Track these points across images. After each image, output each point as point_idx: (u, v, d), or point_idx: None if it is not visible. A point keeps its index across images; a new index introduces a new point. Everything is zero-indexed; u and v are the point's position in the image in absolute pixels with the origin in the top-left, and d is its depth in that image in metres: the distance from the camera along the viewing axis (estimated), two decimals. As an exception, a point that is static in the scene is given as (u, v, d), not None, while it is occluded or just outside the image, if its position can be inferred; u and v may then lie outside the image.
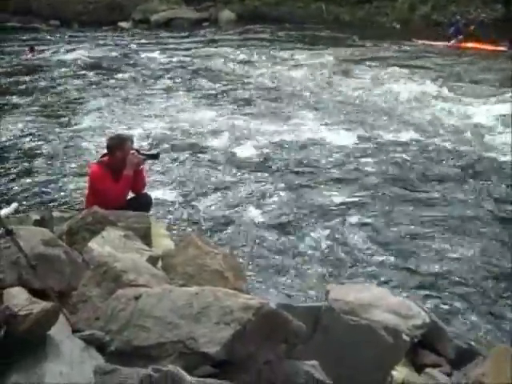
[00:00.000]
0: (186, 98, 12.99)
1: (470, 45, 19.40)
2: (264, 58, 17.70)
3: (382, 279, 5.40)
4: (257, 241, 6.21)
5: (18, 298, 3.19)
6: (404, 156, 8.96)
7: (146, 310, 3.08)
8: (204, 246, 4.50)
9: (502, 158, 8.66)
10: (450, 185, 7.82)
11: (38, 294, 3.36)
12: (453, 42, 19.55)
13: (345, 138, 9.80)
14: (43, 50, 19.77)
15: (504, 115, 10.78)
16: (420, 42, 20.53)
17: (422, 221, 6.75)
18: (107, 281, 3.56)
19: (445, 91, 12.92)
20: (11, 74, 16.15)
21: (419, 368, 4.07)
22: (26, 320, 2.82)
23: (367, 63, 16.68)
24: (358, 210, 7.05)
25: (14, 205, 6.19)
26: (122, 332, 3.01)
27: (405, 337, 3.75)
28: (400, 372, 3.85)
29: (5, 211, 5.66)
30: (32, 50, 19.13)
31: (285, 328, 3.10)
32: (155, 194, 6.85)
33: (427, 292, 5.27)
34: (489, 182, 7.86)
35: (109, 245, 4.20)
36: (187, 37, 22.69)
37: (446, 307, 5.02)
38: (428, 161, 8.76)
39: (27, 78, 15.41)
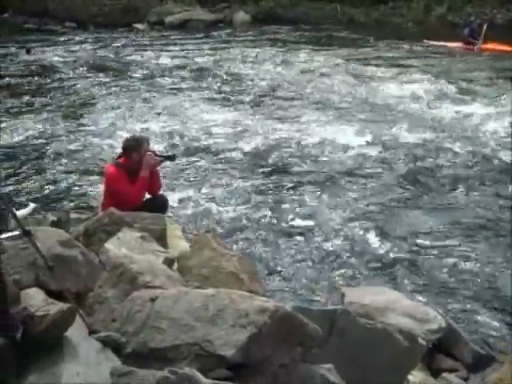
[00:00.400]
0: (201, 99, 13.00)
1: (488, 46, 19.22)
2: (278, 58, 17.68)
3: (398, 283, 5.36)
4: (271, 243, 6.19)
5: (35, 299, 3.22)
6: (419, 158, 8.90)
7: (162, 312, 3.09)
8: (219, 247, 4.51)
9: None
10: (465, 187, 7.75)
11: (54, 295, 3.38)
12: (477, 46, 19.29)
13: (359, 138, 9.76)
14: (57, 51, 19.89)
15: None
16: (431, 42, 20.37)
17: (437, 224, 6.70)
18: (123, 282, 3.57)
19: (459, 92, 12.83)
20: (25, 74, 16.26)
21: (435, 372, 4.05)
22: (43, 321, 2.84)
23: (381, 64, 16.61)
24: (373, 212, 7.01)
25: (32, 205, 6.23)
26: (138, 334, 3.02)
27: (421, 341, 3.73)
28: (416, 376, 3.83)
29: (22, 212, 5.69)
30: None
31: (300, 331, 3.10)
32: (171, 195, 6.86)
33: (443, 296, 5.22)
34: (505, 185, 7.79)
35: (125, 246, 4.22)
36: (202, 38, 22.71)
37: (462, 311, 4.97)
38: (443, 163, 8.69)
39: (42, 79, 15.50)
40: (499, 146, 9.36)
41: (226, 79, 15.15)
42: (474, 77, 14.67)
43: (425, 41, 20.60)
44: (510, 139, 9.54)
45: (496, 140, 9.64)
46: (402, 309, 4.18)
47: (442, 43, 20.11)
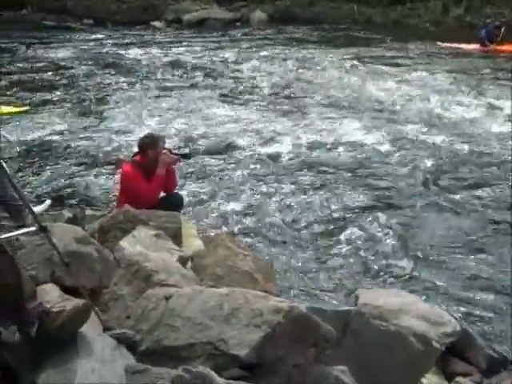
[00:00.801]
0: (217, 98, 13.02)
1: (505, 48, 19.06)
2: (294, 57, 17.66)
3: (412, 285, 5.34)
4: (286, 243, 6.19)
5: (51, 295, 3.24)
6: (437, 159, 8.85)
7: (177, 311, 3.10)
8: (234, 247, 4.51)
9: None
10: (484, 191, 7.68)
11: (69, 291, 3.41)
12: (491, 46, 19.16)
13: (376, 139, 9.73)
14: (74, 48, 20.02)
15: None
16: (444, 44, 20.18)
17: (454, 226, 6.66)
18: (138, 280, 3.59)
19: (475, 95, 12.74)
20: (43, 70, 16.38)
21: (449, 376, 4.03)
22: (59, 317, 2.85)
23: (396, 64, 16.56)
24: (388, 213, 6.96)
25: (48, 202, 6.27)
26: (152, 332, 3.03)
27: (435, 344, 3.71)
28: (430, 380, 3.82)
29: (38, 208, 5.73)
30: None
31: (315, 332, 3.10)
32: (186, 193, 6.88)
33: (458, 299, 5.19)
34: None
35: (140, 244, 4.24)
36: (218, 37, 22.75)
37: (476, 315, 4.94)
38: (461, 166, 8.63)
39: (57, 75, 15.60)
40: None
41: (242, 78, 15.15)
42: (487, 78, 14.56)
43: (438, 43, 20.43)
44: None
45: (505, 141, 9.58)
46: (416, 311, 4.15)
47: (455, 45, 19.92)
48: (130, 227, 4.55)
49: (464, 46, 19.71)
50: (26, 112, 11.47)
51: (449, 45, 19.97)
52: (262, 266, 4.50)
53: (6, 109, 11.35)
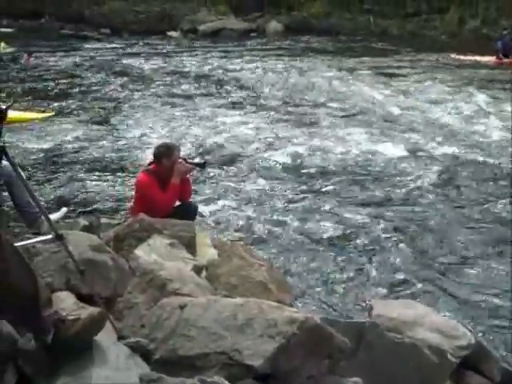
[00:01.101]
0: (231, 107, 13.07)
1: None
2: (310, 68, 17.73)
3: (427, 297, 5.30)
4: (300, 253, 6.17)
5: (66, 303, 3.25)
6: (452, 171, 8.83)
7: (191, 320, 3.10)
8: (248, 256, 4.52)
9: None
10: (501, 204, 7.63)
11: (84, 299, 3.41)
12: (507, 59, 19.04)
13: (391, 150, 9.73)
14: (93, 57, 20.21)
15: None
16: (458, 56, 20.05)
17: (469, 239, 6.62)
18: (152, 288, 3.59)
19: (492, 107, 12.68)
20: (58, 78, 16.56)
21: (464, 389, 3.99)
22: (74, 325, 2.86)
23: (411, 75, 16.54)
24: (402, 225, 6.94)
25: (63, 209, 6.30)
26: (167, 341, 3.04)
27: (450, 357, 3.69)
28: (444, 393, 3.78)
29: (54, 216, 5.76)
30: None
31: (329, 343, 3.09)
32: (200, 202, 6.89)
33: (472, 312, 5.15)
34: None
35: (155, 253, 4.25)
36: (234, 47, 22.86)
37: (491, 328, 4.91)
38: (478, 178, 8.58)
39: (73, 84, 15.77)
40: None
41: (256, 87, 15.21)
42: (500, 90, 14.48)
43: (452, 55, 20.32)
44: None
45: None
46: (430, 324, 4.12)
47: (470, 57, 19.80)
48: (145, 236, 4.56)
49: (479, 58, 19.63)
50: (50, 117, 11.60)
51: (463, 57, 19.87)
52: (276, 276, 4.50)
53: (30, 115, 11.51)
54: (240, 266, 4.41)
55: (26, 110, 12.01)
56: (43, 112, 12.09)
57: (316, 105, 13.27)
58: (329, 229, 6.77)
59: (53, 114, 11.97)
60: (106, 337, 3.04)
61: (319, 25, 27.54)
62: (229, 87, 15.39)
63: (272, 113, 12.62)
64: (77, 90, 15.13)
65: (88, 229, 5.19)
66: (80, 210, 7.13)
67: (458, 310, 5.18)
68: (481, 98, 13.37)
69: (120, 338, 3.19)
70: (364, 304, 4.84)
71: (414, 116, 12.19)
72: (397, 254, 6.16)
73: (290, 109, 13.01)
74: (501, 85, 15.44)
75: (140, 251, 4.26)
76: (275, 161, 9.27)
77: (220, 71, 17.58)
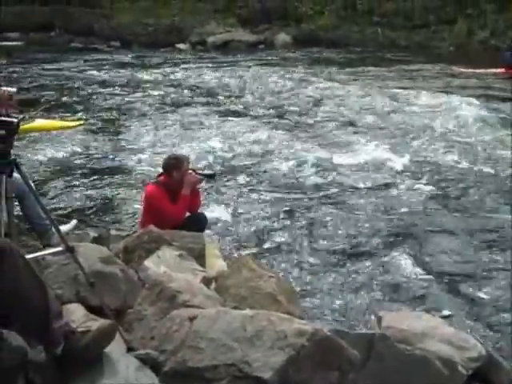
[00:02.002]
0: (239, 118, 13.08)
1: None
2: (317, 79, 17.75)
3: (436, 308, 5.28)
4: (309, 264, 6.16)
5: (76, 315, 3.27)
6: (460, 182, 8.80)
7: (201, 332, 3.10)
8: (257, 268, 4.52)
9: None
10: (503, 214, 7.59)
11: (94, 310, 3.43)
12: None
13: (396, 160, 9.70)
14: (103, 69, 20.36)
15: None
16: (466, 70, 19.91)
17: (480, 249, 6.59)
18: (162, 300, 3.60)
19: (496, 118, 12.61)
20: (68, 90, 16.71)
21: (475, 402, 3.96)
22: (84, 337, 2.87)
23: (418, 87, 16.51)
24: (412, 236, 6.92)
25: (74, 222, 6.34)
26: (176, 352, 3.04)
27: (461, 369, 3.67)
28: (455, 405, 3.75)
29: (64, 228, 5.79)
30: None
31: (339, 355, 3.08)
32: (209, 213, 6.91)
33: (483, 323, 5.12)
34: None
35: (164, 264, 4.26)
36: (242, 59, 22.93)
37: (502, 340, 4.87)
38: (484, 188, 8.55)
39: (82, 95, 15.88)
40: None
41: (266, 98, 15.23)
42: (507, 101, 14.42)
43: (458, 68, 20.15)
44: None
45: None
46: (440, 335, 4.10)
47: (479, 70, 19.62)
48: (154, 247, 4.59)
49: (487, 70, 19.50)
50: (80, 126, 11.72)
51: (471, 70, 19.73)
52: (286, 288, 4.50)
53: (60, 123, 11.64)
54: (249, 278, 4.41)
55: (55, 118, 12.20)
56: (74, 121, 12.20)
57: (324, 115, 13.26)
58: (339, 240, 6.76)
59: (83, 122, 12.09)
60: (115, 349, 3.05)
61: (327, 37, 27.61)
62: (237, 98, 15.43)
63: (281, 123, 12.64)
64: (88, 102, 15.22)
65: (98, 241, 5.22)
66: (90, 221, 7.16)
67: (468, 321, 5.15)
68: (486, 109, 13.29)
69: (130, 349, 3.20)
70: (373, 315, 4.82)
71: (419, 126, 12.16)
72: (406, 265, 6.13)
73: (298, 119, 13.03)
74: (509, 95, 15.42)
75: (149, 263, 4.28)
76: (284, 171, 9.27)
77: (228, 82, 17.63)
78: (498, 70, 19.19)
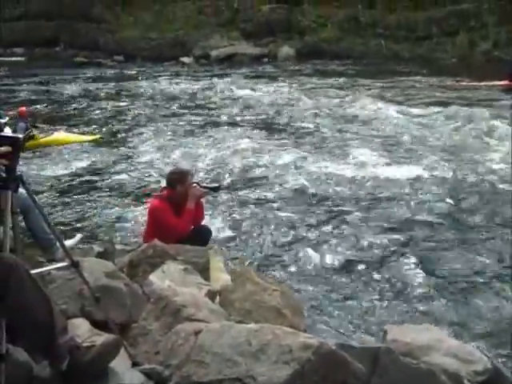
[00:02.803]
0: (244, 132, 13.12)
1: None
2: (320, 92, 17.82)
3: (442, 321, 5.26)
4: (313, 277, 6.16)
5: (81, 329, 3.28)
6: (463, 194, 8.78)
7: (206, 346, 3.10)
8: (262, 281, 4.52)
9: None
10: (504, 225, 7.57)
11: (98, 325, 3.43)
12: None
13: (401, 172, 9.69)
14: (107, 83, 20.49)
15: None
16: (462, 83, 19.85)
17: (484, 262, 6.57)
18: (167, 315, 3.61)
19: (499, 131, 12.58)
20: (71, 103, 16.81)
21: (480, 415, 3.94)
22: (89, 352, 2.88)
23: (421, 99, 16.56)
24: (415, 248, 6.90)
25: (78, 236, 6.35)
26: (181, 367, 3.04)
27: (466, 382, 3.65)
28: (460, 419, 3.74)
29: (69, 242, 5.81)
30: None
31: (344, 369, 3.08)
32: (213, 226, 6.92)
33: (490, 336, 5.10)
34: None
35: (169, 278, 4.27)
36: (246, 72, 23.03)
37: (508, 353, 4.86)
38: (489, 201, 8.53)
39: (88, 110, 15.97)
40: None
41: (269, 111, 15.27)
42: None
43: (461, 82, 20.13)
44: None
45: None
46: (446, 348, 4.09)
47: (484, 83, 19.56)
48: (158, 262, 4.59)
49: (490, 83, 19.46)
50: (98, 140, 11.80)
51: (474, 83, 19.68)
52: (290, 301, 4.49)
53: (78, 137, 11.74)
54: (254, 291, 4.41)
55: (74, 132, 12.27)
56: (91, 135, 12.34)
57: (326, 128, 13.28)
58: (343, 253, 6.74)
59: (100, 136, 12.17)
60: (120, 363, 3.06)
61: (330, 49, 27.70)
62: (241, 111, 15.49)
63: (283, 136, 12.69)
64: (90, 115, 15.31)
65: (102, 255, 5.23)
66: (95, 236, 7.17)
67: (474, 333, 5.13)
68: (490, 121, 13.26)
69: (134, 364, 3.20)
70: (378, 329, 4.81)
71: (422, 138, 12.18)
72: (411, 278, 6.12)
73: (301, 131, 13.06)
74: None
75: (154, 277, 4.29)
76: (288, 184, 9.27)
77: (232, 96, 17.71)
78: (502, 83, 19.18)
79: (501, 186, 9.16)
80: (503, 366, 4.38)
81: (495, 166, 10.19)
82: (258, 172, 10.02)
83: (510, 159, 10.29)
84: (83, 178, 9.89)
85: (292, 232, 7.40)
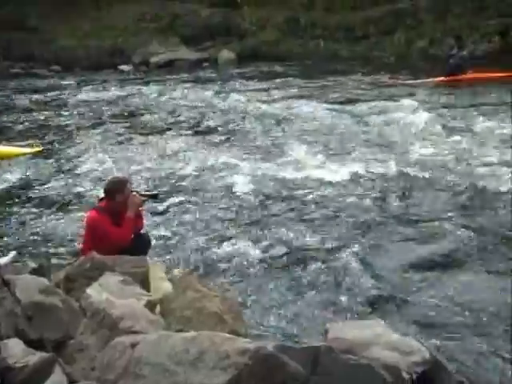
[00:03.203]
0: (179, 137, 12.98)
1: (471, 76, 19.24)
2: (260, 94, 17.85)
3: (382, 316, 5.32)
4: (255, 279, 6.17)
5: (14, 350, 3.20)
6: (397, 190, 8.88)
7: (143, 358, 3.08)
8: (202, 288, 4.50)
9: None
10: (448, 220, 7.70)
11: (33, 344, 3.36)
12: (442, 79, 19.40)
13: (338, 173, 9.71)
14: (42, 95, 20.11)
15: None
16: (391, 81, 20.22)
17: (420, 256, 6.68)
18: (104, 328, 3.56)
19: (438, 125, 12.86)
20: (7, 114, 16.48)
21: (421, 406, 4.01)
22: (22, 372, 2.83)
23: (359, 97, 16.79)
24: (353, 246, 6.92)
25: (12, 254, 6.20)
26: (118, 381, 3.01)
27: (404, 374, 3.71)
28: (400, 411, 3.79)
29: (2, 260, 5.67)
30: None
31: (283, 371, 3.09)
32: (153, 234, 6.86)
33: (428, 328, 5.20)
34: (486, 215, 7.78)
35: (106, 291, 4.20)
36: (185, 77, 22.88)
37: (447, 343, 4.96)
38: (422, 195, 8.65)
39: (24, 120, 15.66)
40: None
41: (206, 116, 15.10)
42: (457, 110, 14.71)
43: (393, 80, 20.50)
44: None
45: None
46: (386, 342, 4.14)
47: (420, 81, 19.93)
48: (96, 274, 4.52)
49: (426, 80, 19.86)
50: (40, 153, 11.48)
51: (410, 81, 20.01)
52: (231, 306, 4.48)
53: (17, 150, 11.37)
54: (194, 298, 4.39)
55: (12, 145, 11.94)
56: (32, 147, 11.90)
57: (262, 129, 13.26)
58: (282, 253, 6.77)
59: (41, 149, 11.81)
60: (56, 382, 3.00)
61: (270, 51, 27.82)
62: (177, 116, 15.30)
63: (219, 139, 12.61)
64: (25, 126, 15.01)
65: (37, 271, 5.11)
66: (30, 251, 7.02)
67: (414, 325, 5.23)
68: (426, 117, 13.52)
69: (71, 382, 3.15)
70: (320, 327, 4.84)
71: (356, 135, 12.31)
72: (350, 275, 6.18)
73: (237, 134, 13.01)
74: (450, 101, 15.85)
75: (91, 290, 4.21)
76: (224, 187, 9.25)
77: (168, 102, 17.53)
78: (438, 79, 19.63)
79: (432, 177, 9.30)
80: (443, 355, 4.47)
81: (426, 158, 10.37)
82: (194, 176, 9.96)
83: (437, 150, 10.59)
84: (17, 192, 9.65)
85: (232, 235, 7.39)
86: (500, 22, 24.76)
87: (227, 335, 3.31)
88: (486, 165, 9.72)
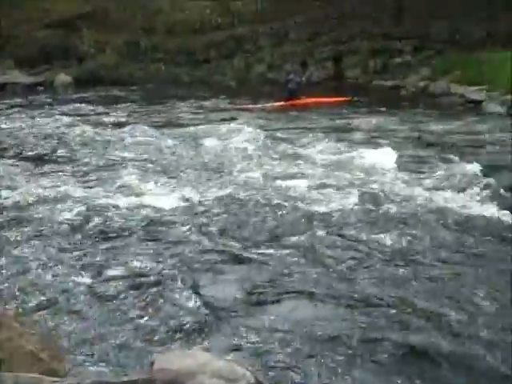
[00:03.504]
0: (4, 166, 12.19)
1: (307, 101, 20.17)
2: (92, 119, 17.53)
3: (207, 343, 5.32)
4: (79, 312, 5.88)
5: None
6: (222, 213, 8.98)
7: None
8: (18, 326, 4.24)
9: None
10: (269, 242, 7.91)
11: None
12: (295, 101, 20.20)
13: (168, 197, 9.70)
14: None
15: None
16: (246, 106, 20.74)
17: (246, 281, 6.70)
18: None
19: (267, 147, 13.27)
20: None
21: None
22: None
23: (197, 121, 16.99)
24: (182, 271, 6.88)
25: None
26: None
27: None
28: None
29: None
30: None
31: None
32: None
33: (258, 352, 5.23)
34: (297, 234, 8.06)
35: None
36: (19, 102, 21.87)
37: (273, 366, 5.02)
38: (244, 215, 8.83)
39: None
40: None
41: (37, 143, 14.30)
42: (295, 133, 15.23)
43: (227, 105, 21.08)
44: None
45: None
46: (211, 370, 4.13)
47: (258, 105, 20.54)
48: None
49: (267, 104, 20.52)
50: None
51: (252, 106, 20.56)
52: (50, 344, 4.27)
53: None
54: (9, 338, 4.11)
55: None
56: None
57: (94, 156, 12.94)
58: (112, 282, 6.52)
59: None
60: None
61: (110, 75, 27.38)
62: (1, 144, 14.52)
63: (49, 166, 12.15)
64: None
65: None
66: None
67: (241, 351, 5.25)
68: (266, 140, 13.91)
69: None
70: (148, 359, 4.72)
71: (191, 161, 12.40)
72: (181, 305, 6.05)
73: (68, 161, 12.61)
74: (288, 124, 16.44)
75: None
76: (56, 216, 8.73)
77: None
78: (278, 104, 20.38)
79: (251, 197, 9.51)
80: (267, 378, 4.53)
81: (248, 180, 10.62)
82: (17, 208, 9.31)
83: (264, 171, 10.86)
84: None
85: (62, 267, 7.02)
86: (333, 49, 26.23)
87: (36, 375, 3.13)
88: (297, 186, 10.13)
